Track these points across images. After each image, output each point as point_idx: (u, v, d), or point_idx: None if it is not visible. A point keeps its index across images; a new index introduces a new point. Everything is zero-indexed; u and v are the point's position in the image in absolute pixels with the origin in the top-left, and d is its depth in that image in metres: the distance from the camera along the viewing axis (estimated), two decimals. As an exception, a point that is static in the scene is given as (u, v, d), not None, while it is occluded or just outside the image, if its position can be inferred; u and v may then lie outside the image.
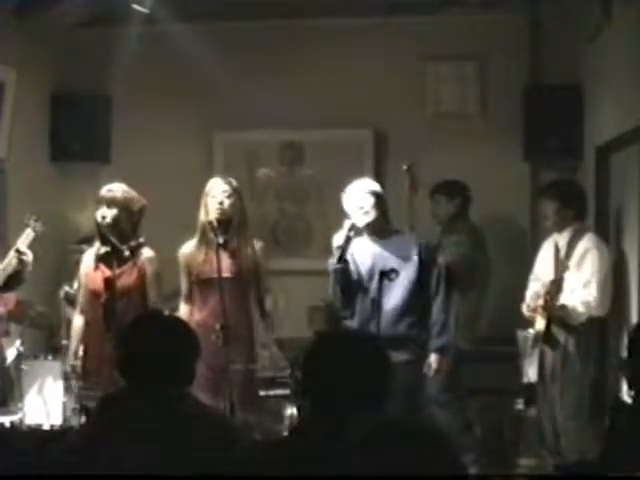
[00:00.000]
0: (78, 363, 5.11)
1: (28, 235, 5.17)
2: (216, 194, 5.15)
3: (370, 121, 6.98)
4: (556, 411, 5.51)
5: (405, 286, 5.11)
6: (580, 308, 5.39)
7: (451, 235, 6.16)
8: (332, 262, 5.12)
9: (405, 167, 5.89)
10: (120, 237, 5.06)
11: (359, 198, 5.13)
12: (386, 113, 6.93)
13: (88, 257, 5.19)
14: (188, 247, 5.25)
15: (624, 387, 4.23)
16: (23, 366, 5.42)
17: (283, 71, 6.95)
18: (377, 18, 6.85)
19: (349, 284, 5.11)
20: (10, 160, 6.43)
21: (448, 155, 6.73)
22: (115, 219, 5.05)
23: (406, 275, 5.11)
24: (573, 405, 5.45)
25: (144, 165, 7.03)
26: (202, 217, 5.18)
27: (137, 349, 3.16)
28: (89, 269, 5.15)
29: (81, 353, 5.12)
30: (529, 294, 5.62)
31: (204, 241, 5.18)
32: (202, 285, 5.18)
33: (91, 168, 7.03)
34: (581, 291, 5.41)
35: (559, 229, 5.63)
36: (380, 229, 5.19)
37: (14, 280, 5.22)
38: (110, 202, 5.07)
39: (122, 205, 5.08)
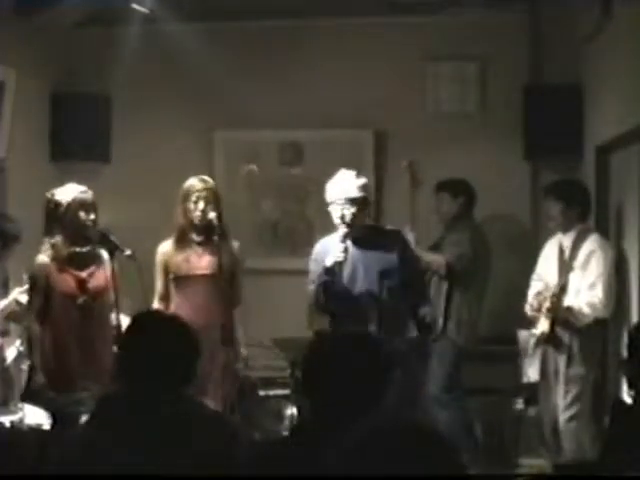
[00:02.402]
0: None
1: (26, 289, 5.22)
2: (198, 199, 5.15)
3: (370, 121, 6.97)
4: (557, 411, 5.51)
5: (395, 283, 5.11)
6: (586, 310, 5.38)
7: (453, 234, 6.12)
8: (320, 274, 5.07)
9: (405, 164, 5.89)
10: (91, 239, 5.02)
11: (340, 207, 5.09)
12: (386, 113, 6.93)
13: (42, 258, 5.02)
14: (166, 246, 5.25)
15: (624, 387, 4.23)
16: (23, 366, 5.41)
17: (283, 71, 6.94)
18: (377, 18, 6.85)
19: (337, 294, 5.09)
20: (10, 160, 6.43)
21: (448, 155, 6.73)
22: (94, 222, 5.04)
23: (393, 272, 5.11)
24: (575, 406, 5.45)
25: (144, 165, 7.04)
26: (181, 220, 5.19)
27: (136, 349, 3.16)
28: (51, 271, 5.00)
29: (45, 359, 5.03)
30: (532, 294, 5.62)
31: (183, 241, 5.18)
32: (180, 284, 5.17)
33: (91, 168, 7.03)
34: (586, 293, 5.40)
35: (564, 230, 5.61)
36: (364, 230, 5.17)
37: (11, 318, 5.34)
38: (93, 205, 5.05)
39: (97, 207, 5.08)
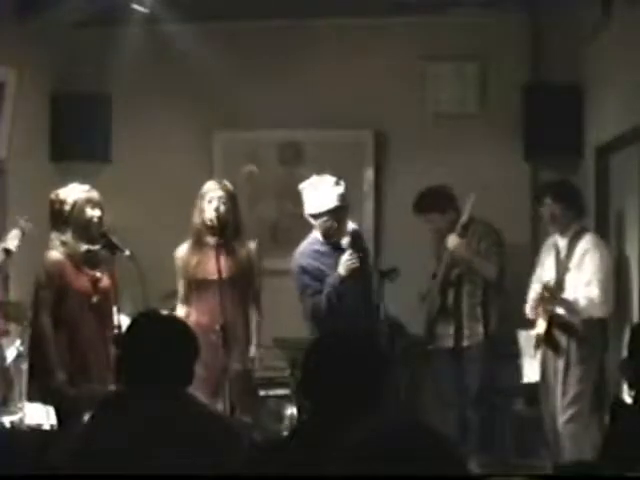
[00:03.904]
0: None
1: (16, 235, 5.15)
2: (212, 199, 5.16)
3: (370, 121, 6.97)
4: (557, 411, 5.51)
5: (367, 288, 5.22)
6: (582, 303, 5.35)
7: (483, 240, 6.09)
8: (333, 284, 5.14)
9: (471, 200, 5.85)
10: (98, 238, 5.02)
11: (332, 218, 5.16)
12: (386, 113, 6.93)
13: (55, 256, 4.98)
14: (182, 249, 5.26)
15: (624, 387, 4.23)
16: (23, 366, 5.41)
17: (283, 71, 6.94)
18: (377, 18, 6.85)
19: (345, 302, 5.17)
20: (10, 160, 6.43)
21: (448, 155, 6.73)
22: (101, 219, 5.03)
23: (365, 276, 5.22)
24: (575, 406, 5.45)
25: (144, 165, 7.04)
26: (197, 220, 5.19)
27: (136, 349, 3.16)
28: (65, 269, 4.98)
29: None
30: (531, 297, 5.62)
31: (199, 243, 5.19)
32: (197, 286, 5.19)
33: (91, 168, 7.02)
34: (583, 289, 5.40)
35: (560, 231, 5.60)
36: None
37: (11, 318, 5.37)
38: (99, 203, 5.05)
39: (102, 206, 5.08)
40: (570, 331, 5.42)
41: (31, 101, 6.75)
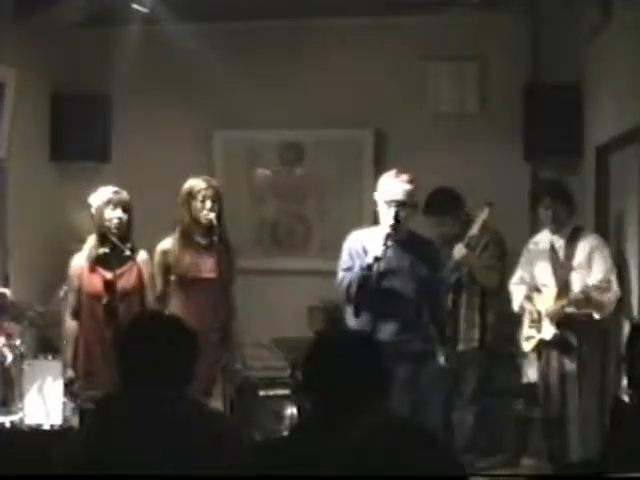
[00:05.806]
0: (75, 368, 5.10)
1: None
2: (203, 198, 5.14)
3: (370, 121, 6.97)
4: (558, 411, 5.51)
5: (414, 288, 5.10)
6: (607, 298, 5.33)
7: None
8: (361, 268, 5.07)
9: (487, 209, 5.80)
10: (125, 239, 5.08)
11: (394, 207, 5.07)
12: (386, 113, 6.93)
13: (79, 259, 5.14)
14: (166, 245, 5.21)
15: (624, 387, 4.24)
16: (23, 366, 5.41)
17: (283, 71, 6.95)
18: (377, 18, 6.85)
19: (367, 288, 5.10)
20: (10, 160, 6.43)
21: (448, 155, 6.73)
22: (127, 221, 5.08)
23: (418, 277, 5.10)
24: (575, 405, 5.45)
25: (144, 165, 7.05)
26: (186, 218, 5.16)
27: (136, 349, 3.15)
28: (83, 271, 5.10)
29: (77, 355, 5.10)
30: (519, 299, 5.63)
31: (187, 241, 5.17)
32: (184, 285, 5.16)
33: (91, 168, 7.04)
34: (603, 286, 5.36)
35: (555, 230, 5.60)
36: (403, 234, 5.17)
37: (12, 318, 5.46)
38: (124, 204, 5.08)
39: (130, 207, 5.11)
40: (576, 332, 5.41)
41: (31, 101, 6.76)
